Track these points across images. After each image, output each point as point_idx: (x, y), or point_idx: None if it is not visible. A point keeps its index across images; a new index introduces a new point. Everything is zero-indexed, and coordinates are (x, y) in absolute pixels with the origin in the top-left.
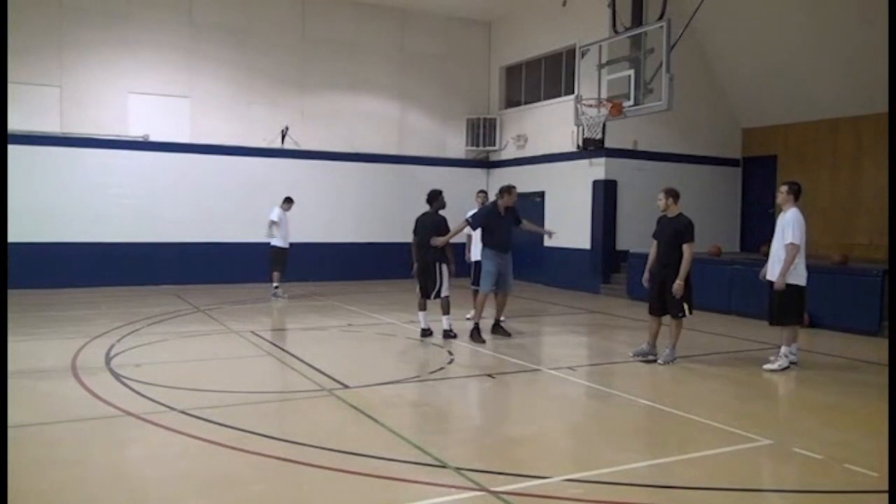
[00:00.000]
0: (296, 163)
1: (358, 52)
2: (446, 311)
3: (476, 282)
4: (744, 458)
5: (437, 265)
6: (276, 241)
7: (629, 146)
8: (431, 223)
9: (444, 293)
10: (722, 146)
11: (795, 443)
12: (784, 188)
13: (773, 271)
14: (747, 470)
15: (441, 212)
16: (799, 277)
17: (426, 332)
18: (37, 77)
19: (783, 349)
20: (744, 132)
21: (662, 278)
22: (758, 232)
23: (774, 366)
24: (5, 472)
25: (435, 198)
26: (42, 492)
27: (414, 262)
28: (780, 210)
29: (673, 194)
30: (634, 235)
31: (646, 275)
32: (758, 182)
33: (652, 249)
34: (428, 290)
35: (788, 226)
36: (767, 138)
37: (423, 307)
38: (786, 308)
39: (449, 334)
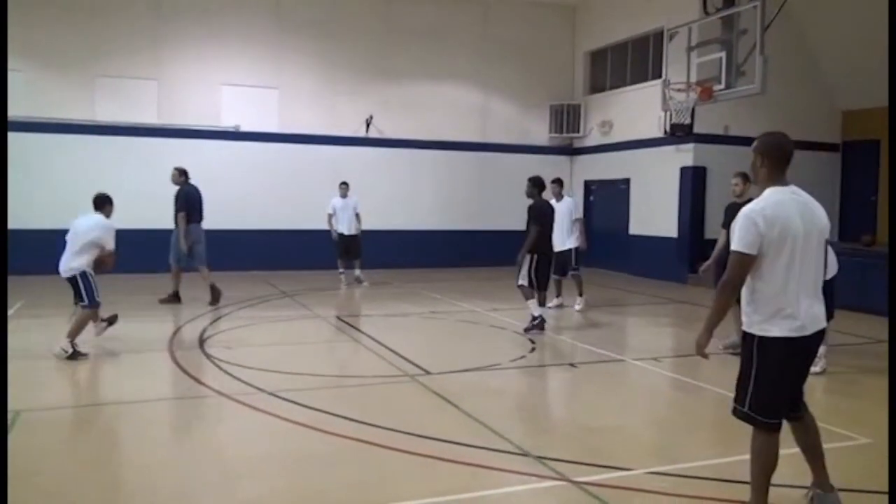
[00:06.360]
0: (380, 151)
1: (440, 40)
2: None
3: (558, 271)
4: (841, 456)
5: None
6: (339, 229)
7: (719, 131)
8: (550, 210)
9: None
10: (820, 130)
11: None
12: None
13: None
14: (844, 469)
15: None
16: None
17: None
18: (135, 71)
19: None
20: (843, 115)
21: None
22: (858, 220)
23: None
24: (5, 471)
25: (543, 184)
26: (145, 466)
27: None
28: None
29: (749, 179)
30: None
31: (707, 263)
32: (859, 168)
33: (721, 239)
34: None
35: None
36: (869, 121)
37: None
38: None
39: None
